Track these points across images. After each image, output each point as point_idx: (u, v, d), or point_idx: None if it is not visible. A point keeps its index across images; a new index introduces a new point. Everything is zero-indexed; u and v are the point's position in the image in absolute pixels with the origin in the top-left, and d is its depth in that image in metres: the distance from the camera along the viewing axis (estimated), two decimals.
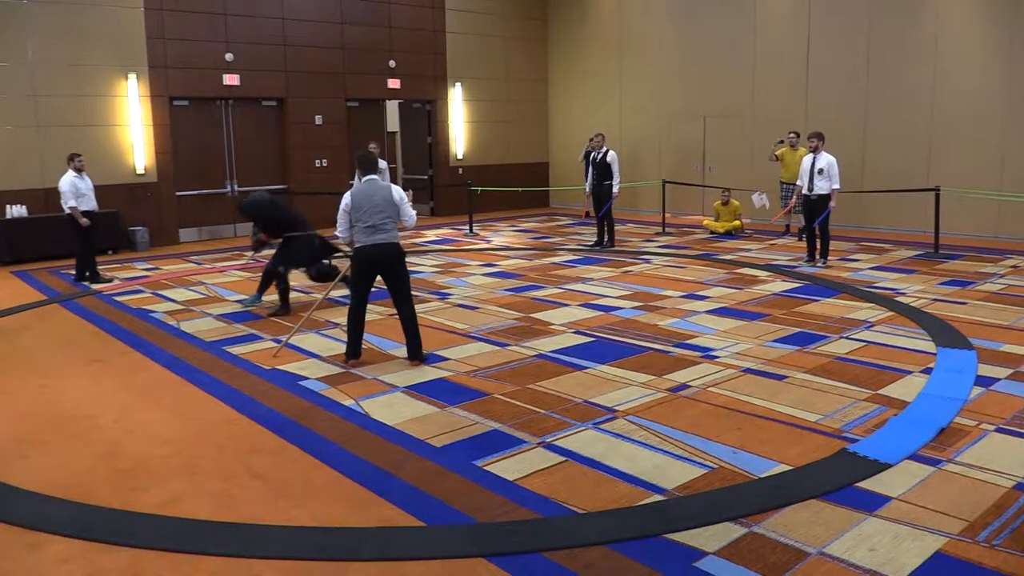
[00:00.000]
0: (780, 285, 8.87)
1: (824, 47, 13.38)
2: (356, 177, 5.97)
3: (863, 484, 3.88)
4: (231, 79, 13.88)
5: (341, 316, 7.03)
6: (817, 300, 8.04)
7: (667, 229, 13.84)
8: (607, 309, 7.84)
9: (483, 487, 3.97)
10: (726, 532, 3.46)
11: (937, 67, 12.15)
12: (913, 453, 4.22)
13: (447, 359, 6.25)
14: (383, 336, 6.94)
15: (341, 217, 6.04)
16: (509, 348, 6.53)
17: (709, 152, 15.40)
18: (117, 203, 12.60)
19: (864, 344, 6.38)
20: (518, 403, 5.17)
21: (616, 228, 12.78)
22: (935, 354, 6.05)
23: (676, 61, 15.67)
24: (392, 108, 17.47)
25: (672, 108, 15.91)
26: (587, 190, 12.16)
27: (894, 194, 12.19)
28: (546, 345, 6.57)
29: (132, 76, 12.83)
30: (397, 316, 6.19)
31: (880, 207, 12.84)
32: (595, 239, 12.27)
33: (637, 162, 16.26)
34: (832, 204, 9.85)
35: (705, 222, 13.65)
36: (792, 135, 12.34)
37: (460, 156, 17.25)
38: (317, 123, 15.03)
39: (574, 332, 6.99)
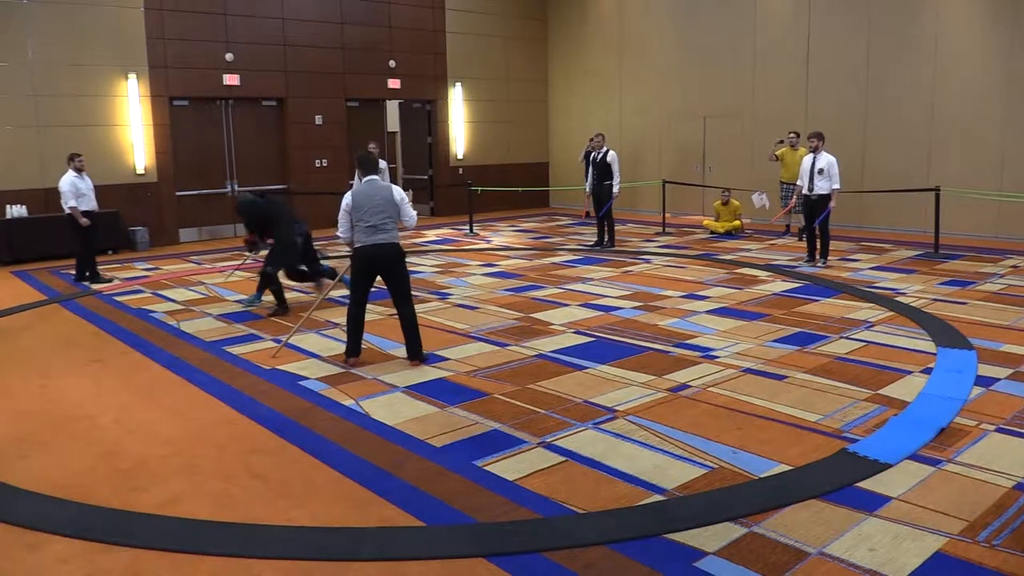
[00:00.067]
0: (780, 285, 8.87)
1: (824, 47, 13.38)
2: (356, 177, 5.98)
3: (863, 484, 3.88)
4: (231, 79, 13.88)
5: (341, 316, 7.03)
6: (817, 300, 8.04)
7: (667, 229, 13.84)
8: (607, 309, 7.85)
9: (483, 487, 3.97)
10: (726, 532, 3.46)
11: (937, 67, 12.15)
12: (913, 453, 4.22)
13: (447, 359, 6.25)
14: (383, 336, 6.94)
15: (342, 217, 6.03)
16: (509, 348, 6.53)
17: (709, 152, 15.40)
18: (117, 203, 12.61)
19: (864, 344, 6.38)
20: (518, 403, 5.17)
21: (616, 228, 12.78)
22: (935, 354, 6.05)
23: (676, 61, 15.67)
24: (392, 108, 17.48)
25: (672, 108, 15.91)
26: (587, 190, 12.16)
27: (894, 194, 12.19)
28: (546, 345, 6.57)
29: (132, 76, 12.83)
30: (397, 316, 6.19)
31: (880, 207, 12.84)
32: (595, 239, 12.27)
33: (637, 162, 16.26)
34: (832, 204, 9.85)
35: (705, 222, 13.65)
36: (792, 135, 12.34)
37: (460, 156, 17.25)
38: (317, 123, 15.03)
39: (574, 332, 6.99)
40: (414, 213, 6.28)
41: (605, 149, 11.80)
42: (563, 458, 4.29)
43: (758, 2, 14.23)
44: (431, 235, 14.06)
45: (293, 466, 4.33)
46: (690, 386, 5.44)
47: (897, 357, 6.00)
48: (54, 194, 10.46)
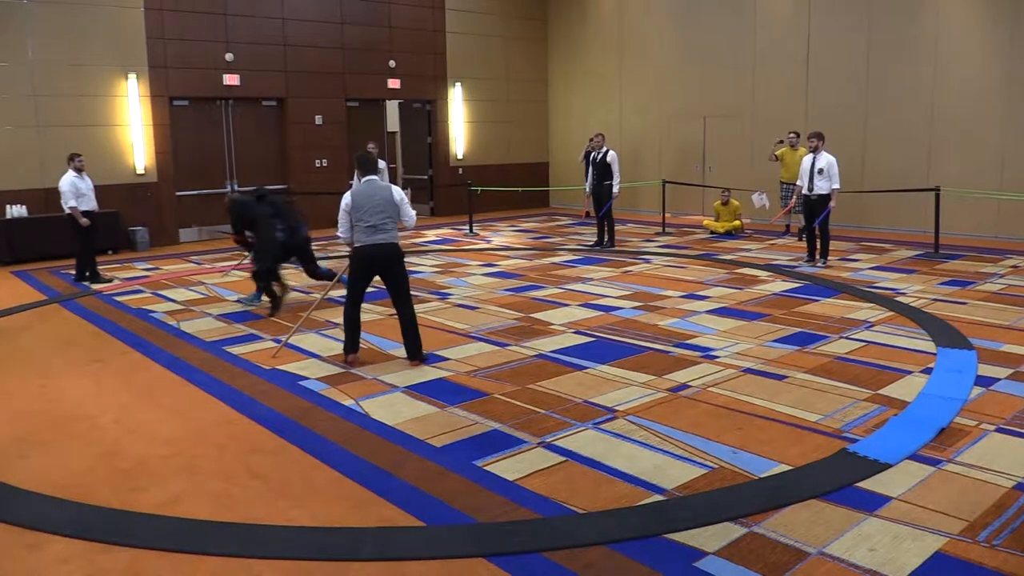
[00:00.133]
0: (780, 285, 8.87)
1: (824, 47, 13.38)
2: (356, 177, 6.00)
3: (863, 484, 3.88)
4: (231, 79, 13.88)
5: (341, 316, 7.01)
6: (817, 300, 8.04)
7: (667, 229, 13.84)
8: (607, 309, 7.84)
9: (483, 487, 3.97)
10: (726, 532, 3.46)
11: (937, 67, 12.15)
12: (913, 453, 4.22)
13: (447, 359, 6.25)
14: (383, 336, 6.94)
15: (342, 217, 6.03)
16: (509, 348, 6.53)
17: (709, 152, 15.40)
18: (117, 203, 12.60)
19: (864, 344, 6.38)
20: (518, 403, 5.17)
21: (616, 228, 12.78)
22: (935, 354, 6.05)
23: (676, 61, 15.67)
24: (392, 108, 17.48)
25: (672, 108, 15.91)
26: (587, 190, 12.16)
27: (894, 194, 12.19)
28: (546, 345, 6.57)
29: (132, 76, 12.83)
30: (396, 316, 6.19)
31: (880, 207, 12.84)
32: (595, 239, 12.27)
33: (637, 162, 16.26)
34: (832, 204, 9.85)
35: (705, 222, 13.65)
36: (792, 135, 12.34)
37: (460, 156, 17.25)
38: (317, 123, 15.03)
39: (574, 332, 6.99)
40: (413, 213, 6.28)
41: (605, 149, 11.80)
42: (563, 458, 4.29)
43: (758, 2, 14.23)
44: (431, 235, 14.06)
45: (293, 466, 4.33)
46: (690, 386, 5.44)
47: (897, 357, 6.00)
48: (54, 194, 10.46)
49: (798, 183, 10.26)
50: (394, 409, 5.13)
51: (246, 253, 9.59)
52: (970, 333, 6.58)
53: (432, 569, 3.26)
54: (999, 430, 4.52)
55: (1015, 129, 11.48)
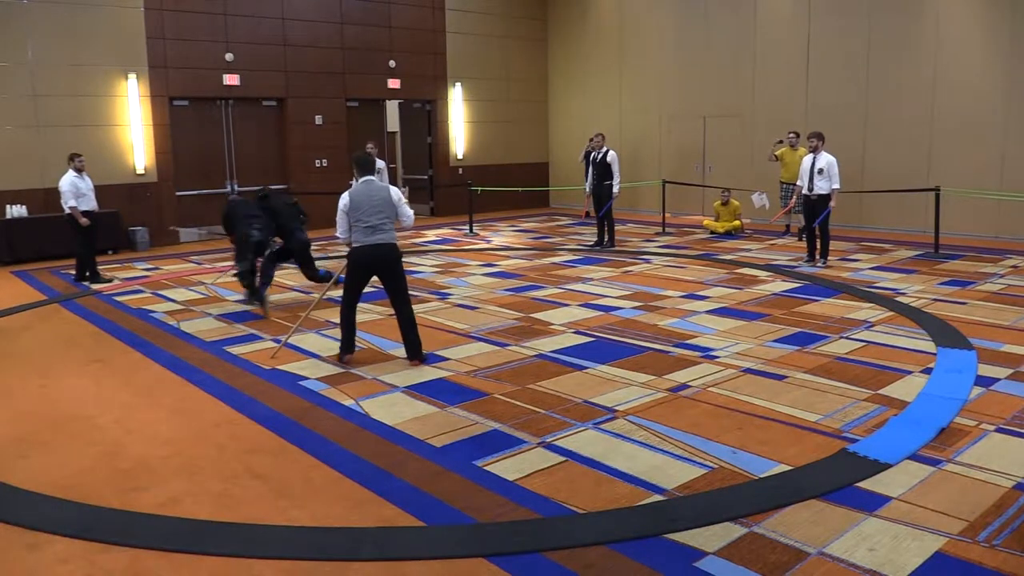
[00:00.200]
0: (780, 285, 8.87)
1: (824, 47, 13.38)
2: (354, 178, 6.01)
3: (863, 484, 3.88)
4: (231, 79, 13.88)
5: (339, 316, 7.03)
6: (817, 300, 8.04)
7: (667, 229, 13.84)
8: (607, 309, 7.84)
9: (483, 487, 3.97)
10: (726, 532, 3.46)
11: (937, 67, 12.15)
12: (913, 453, 4.22)
13: (447, 359, 6.25)
14: (383, 336, 6.94)
15: (340, 218, 6.04)
16: (509, 348, 6.53)
17: (709, 152, 15.41)
18: (117, 203, 12.60)
19: (864, 344, 6.38)
20: (518, 403, 5.17)
21: (616, 228, 12.78)
22: (935, 354, 6.05)
23: (676, 61, 15.67)
24: (392, 108, 17.48)
25: (672, 108, 15.91)
26: (587, 190, 12.16)
27: (894, 194, 12.19)
28: (546, 345, 6.57)
29: (132, 76, 12.83)
30: (395, 316, 6.19)
31: (880, 207, 12.84)
32: (595, 239, 12.27)
33: (637, 162, 16.26)
34: (832, 204, 9.85)
35: (705, 222, 13.65)
36: (792, 135, 12.35)
37: (460, 156, 17.25)
38: (317, 123, 15.03)
39: (574, 332, 6.99)
40: (411, 212, 6.30)
41: (605, 149, 11.80)
42: (563, 458, 4.29)
43: (758, 2, 14.23)
44: (431, 235, 14.06)
45: (293, 466, 4.33)
46: (690, 386, 5.44)
47: (897, 357, 6.00)
48: (54, 194, 10.46)
49: (798, 183, 10.27)
50: (394, 409, 5.13)
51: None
52: (970, 333, 6.58)
53: (432, 569, 3.26)
54: (999, 430, 4.52)
55: (1015, 129, 11.48)
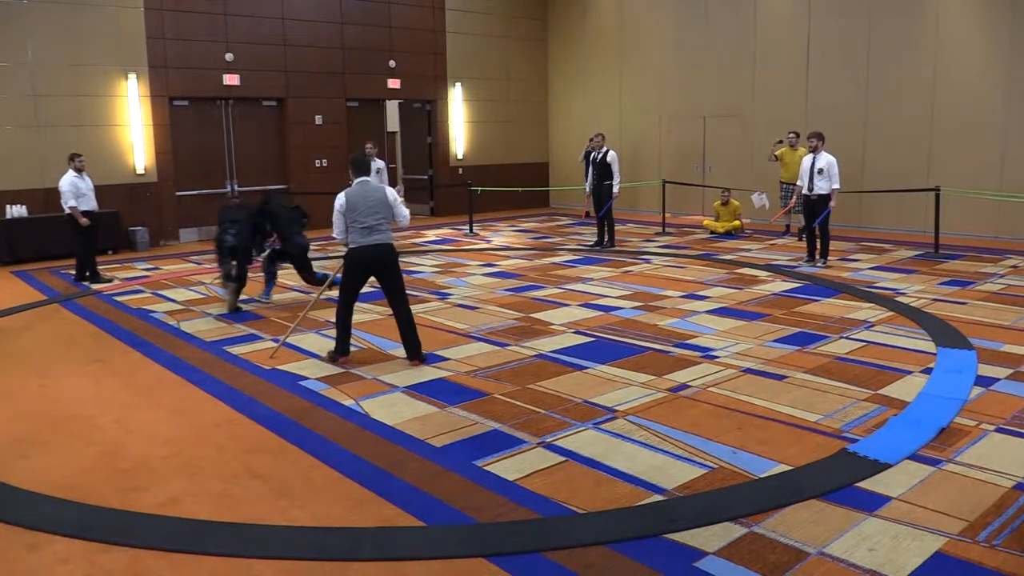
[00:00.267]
0: (780, 285, 8.87)
1: (824, 47, 13.38)
2: (351, 178, 6.03)
3: (863, 484, 3.88)
4: (231, 79, 13.88)
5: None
6: (817, 300, 8.04)
7: (667, 229, 13.84)
8: (607, 309, 7.84)
9: (483, 487, 3.97)
10: (726, 532, 3.46)
11: (937, 67, 12.15)
12: (913, 453, 4.22)
13: (447, 359, 6.25)
14: (383, 336, 6.94)
15: (337, 219, 6.05)
16: (509, 348, 6.53)
17: (709, 152, 15.41)
18: (117, 203, 12.60)
19: (864, 344, 6.38)
20: (518, 403, 5.17)
21: (616, 228, 12.78)
22: (935, 354, 6.05)
23: (676, 61, 15.67)
24: (392, 108, 17.47)
25: (672, 108, 15.91)
26: (587, 190, 12.16)
27: (894, 194, 12.19)
28: (546, 345, 6.57)
29: (132, 76, 12.83)
30: (394, 316, 6.19)
31: (880, 207, 12.84)
32: (595, 239, 12.27)
33: (637, 162, 16.26)
34: (832, 204, 9.85)
35: (705, 222, 13.65)
36: (792, 135, 12.35)
37: (460, 156, 17.25)
38: (317, 123, 15.03)
39: (574, 332, 6.99)
40: (407, 212, 6.33)
41: (605, 149, 11.80)
42: (563, 458, 4.29)
43: (758, 2, 14.23)
44: (431, 235, 14.06)
45: (293, 466, 4.33)
46: (690, 386, 5.44)
47: (897, 357, 6.00)
48: (54, 194, 10.46)
49: (798, 183, 10.27)
50: (394, 409, 5.13)
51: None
52: (970, 333, 6.58)
53: (432, 569, 3.26)
54: (999, 430, 4.52)
55: (1015, 129, 11.48)
